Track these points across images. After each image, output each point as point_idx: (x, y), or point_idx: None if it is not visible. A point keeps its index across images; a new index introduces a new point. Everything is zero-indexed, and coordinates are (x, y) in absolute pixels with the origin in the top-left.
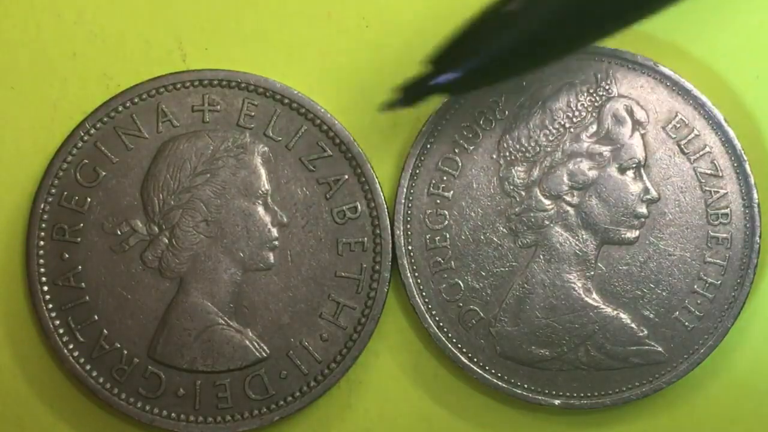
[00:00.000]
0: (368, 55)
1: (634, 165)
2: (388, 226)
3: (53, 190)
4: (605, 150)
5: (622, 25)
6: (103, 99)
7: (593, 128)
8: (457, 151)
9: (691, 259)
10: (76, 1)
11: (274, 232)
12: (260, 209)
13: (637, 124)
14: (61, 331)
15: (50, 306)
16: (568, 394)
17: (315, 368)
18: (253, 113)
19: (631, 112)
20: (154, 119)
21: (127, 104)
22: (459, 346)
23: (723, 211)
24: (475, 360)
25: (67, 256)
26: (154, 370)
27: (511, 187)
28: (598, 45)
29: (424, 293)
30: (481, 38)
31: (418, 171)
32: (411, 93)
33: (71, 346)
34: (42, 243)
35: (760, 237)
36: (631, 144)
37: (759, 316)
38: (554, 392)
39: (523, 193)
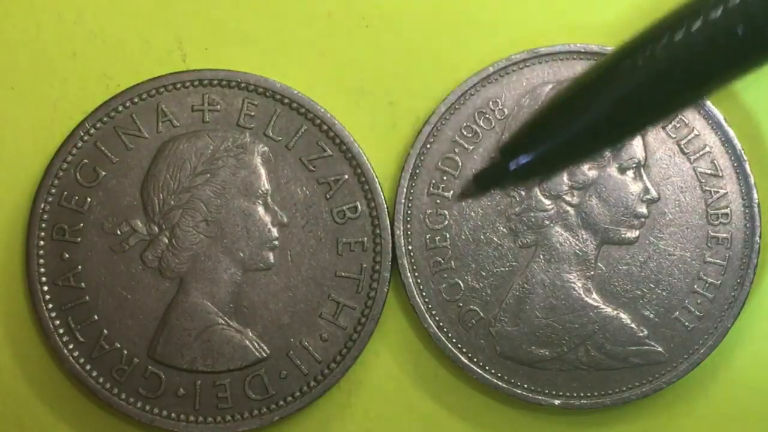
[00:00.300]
0: (368, 55)
1: (634, 165)
2: (388, 226)
3: (53, 190)
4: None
5: (703, 95)
6: (103, 99)
7: None
8: (457, 151)
9: (691, 259)
10: (76, 1)
11: (274, 232)
12: (260, 209)
13: None
14: (61, 331)
15: (50, 306)
16: (568, 394)
17: (315, 368)
18: (253, 113)
19: None
20: (154, 119)
21: (127, 104)
22: (459, 346)
23: (723, 211)
24: (475, 360)
25: (67, 256)
26: (154, 370)
27: (511, 187)
28: (598, 45)
29: (424, 293)
30: (547, 126)
31: (418, 171)
32: (483, 182)
33: (71, 346)
34: (42, 243)
35: (760, 237)
36: (631, 144)
37: (759, 316)
38: (554, 392)
39: (523, 193)
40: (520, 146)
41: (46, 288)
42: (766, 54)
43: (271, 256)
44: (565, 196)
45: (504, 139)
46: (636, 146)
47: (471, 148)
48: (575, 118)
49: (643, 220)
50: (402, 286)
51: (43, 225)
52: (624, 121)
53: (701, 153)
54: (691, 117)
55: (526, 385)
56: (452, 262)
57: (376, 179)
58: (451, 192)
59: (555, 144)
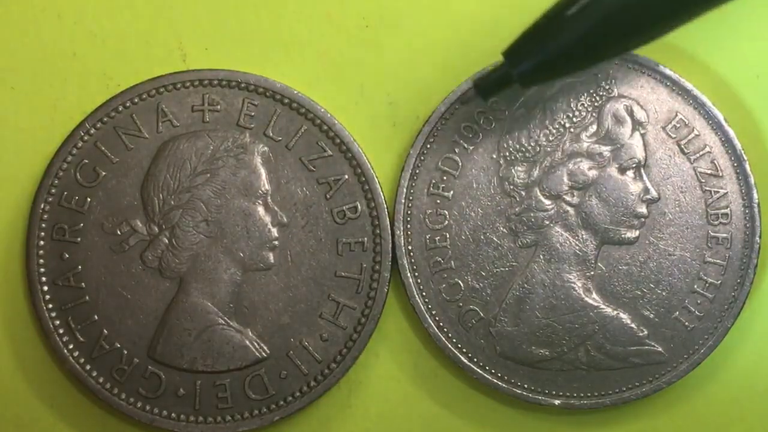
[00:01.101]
0: (368, 55)
1: (634, 165)
2: (388, 226)
3: (53, 190)
4: (605, 150)
5: (666, 28)
6: (103, 99)
7: (593, 128)
8: (457, 151)
9: (691, 259)
10: (76, 1)
11: (274, 232)
12: (260, 209)
13: (637, 124)
14: (61, 331)
15: (50, 306)
16: (568, 394)
17: (315, 368)
18: (253, 113)
19: (631, 112)
20: (154, 119)
21: (127, 104)
22: (459, 346)
23: (723, 211)
24: (475, 360)
25: (67, 256)
26: (154, 370)
27: (511, 187)
28: None
29: (424, 293)
30: (546, 35)
31: (418, 171)
32: (485, 86)
33: (71, 346)
34: (42, 243)
35: (760, 237)
36: (631, 144)
37: (759, 316)
38: (554, 392)
39: (523, 193)
40: (526, 51)
41: (46, 288)
42: None
43: (271, 256)
44: (565, 196)
45: (508, 46)
46: (636, 146)
47: (471, 148)
48: (581, 21)
49: (643, 220)
50: (402, 286)
51: (43, 225)
52: (631, 26)
53: (701, 153)
54: (691, 117)
55: (526, 385)
56: (452, 262)
57: (376, 179)
58: (451, 193)
59: (560, 48)
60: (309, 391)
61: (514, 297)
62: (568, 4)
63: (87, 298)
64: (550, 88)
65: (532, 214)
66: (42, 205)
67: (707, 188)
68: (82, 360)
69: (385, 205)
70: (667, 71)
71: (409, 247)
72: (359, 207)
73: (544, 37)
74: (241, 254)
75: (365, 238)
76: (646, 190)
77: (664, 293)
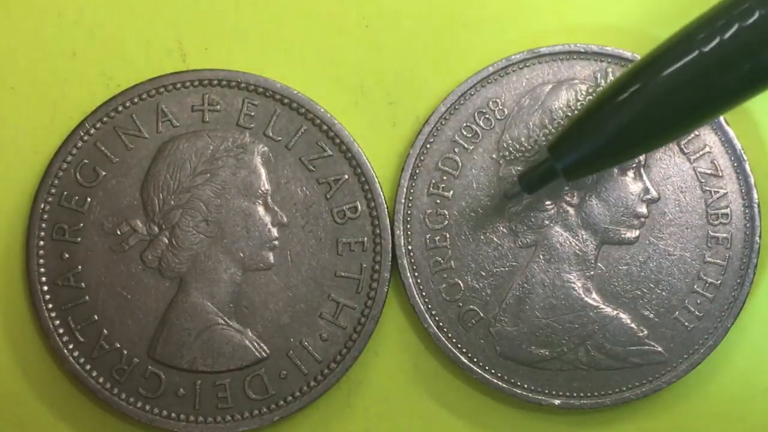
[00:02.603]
0: (368, 55)
1: (634, 165)
2: (388, 226)
3: (53, 190)
4: None
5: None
6: (103, 99)
7: None
8: (457, 151)
9: (691, 259)
10: (76, 1)
11: (274, 232)
12: (260, 209)
13: None
14: (61, 331)
15: (50, 306)
16: (568, 394)
17: (315, 368)
18: (253, 113)
19: None
20: (154, 119)
21: (127, 104)
22: (459, 346)
23: (723, 211)
24: (475, 360)
25: (67, 256)
26: (154, 370)
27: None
28: (598, 45)
29: (424, 293)
30: (593, 126)
31: (418, 171)
32: (530, 181)
33: (71, 346)
34: (42, 243)
35: (760, 237)
36: None
37: (759, 316)
38: (554, 392)
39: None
40: (570, 145)
41: (46, 288)
42: None
43: (271, 256)
44: (565, 196)
45: (553, 138)
46: None
47: (471, 148)
48: (623, 115)
49: (643, 220)
50: (402, 286)
51: (43, 225)
52: (672, 118)
53: (701, 153)
54: None
55: (526, 385)
56: (452, 262)
57: (376, 179)
58: (451, 193)
59: (604, 142)
60: (309, 391)
61: (514, 297)
62: (611, 97)
63: (87, 298)
64: (548, 87)
65: (532, 214)
66: (42, 205)
67: (707, 188)
68: (82, 360)
69: (385, 205)
70: None
71: (409, 247)
72: (359, 207)
73: (586, 132)
74: (241, 254)
75: (365, 238)
76: (646, 190)
77: (664, 293)
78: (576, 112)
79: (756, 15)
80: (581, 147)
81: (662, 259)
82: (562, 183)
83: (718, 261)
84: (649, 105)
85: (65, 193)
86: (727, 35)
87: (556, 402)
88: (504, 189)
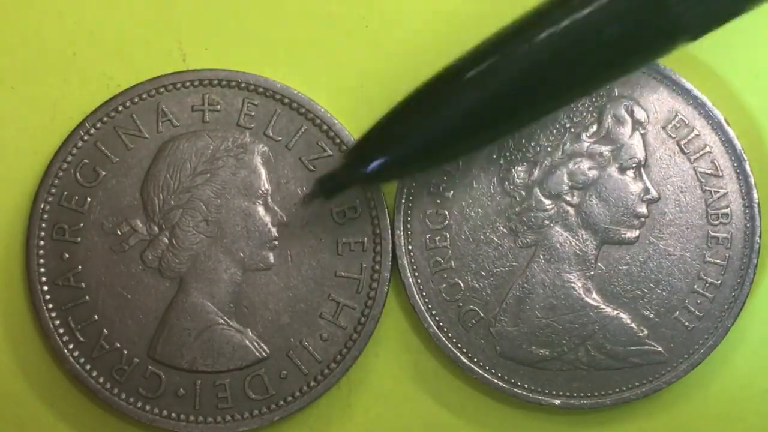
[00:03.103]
0: (368, 55)
1: (634, 165)
2: (388, 226)
3: (53, 190)
4: (605, 150)
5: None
6: (103, 99)
7: (593, 128)
8: None
9: (691, 259)
10: (76, 1)
11: (274, 231)
12: (260, 209)
13: (637, 124)
14: (61, 331)
15: (50, 306)
16: (568, 394)
17: (315, 368)
18: (253, 113)
19: (631, 112)
20: (154, 119)
21: (127, 104)
22: (459, 346)
23: (723, 211)
24: (475, 360)
25: (67, 256)
26: (154, 370)
27: (511, 187)
28: None
29: (424, 293)
30: (408, 125)
31: None
32: (328, 186)
33: (71, 346)
34: (42, 243)
35: (760, 237)
36: (631, 144)
37: (759, 316)
38: (554, 392)
39: (523, 193)
40: (375, 149)
41: (46, 288)
42: (635, 56)
43: (271, 256)
44: (565, 196)
45: (353, 143)
46: (636, 146)
47: None
48: (437, 117)
49: (643, 220)
50: (402, 286)
51: (43, 225)
52: (485, 122)
53: (701, 153)
54: (691, 117)
55: (526, 385)
56: (452, 262)
57: None
58: (451, 193)
59: (413, 146)
60: (309, 391)
61: (514, 297)
62: (453, 79)
63: (87, 298)
64: None
65: (532, 214)
66: (42, 205)
67: (707, 188)
68: (82, 360)
69: (385, 205)
70: (667, 71)
71: (409, 247)
72: (359, 207)
73: (384, 139)
74: (241, 254)
75: (365, 238)
76: (646, 190)
77: (664, 293)
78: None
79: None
80: (389, 148)
81: (662, 259)
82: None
83: (718, 261)
84: (509, 78)
85: (65, 193)
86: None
87: (556, 402)
88: (303, 194)
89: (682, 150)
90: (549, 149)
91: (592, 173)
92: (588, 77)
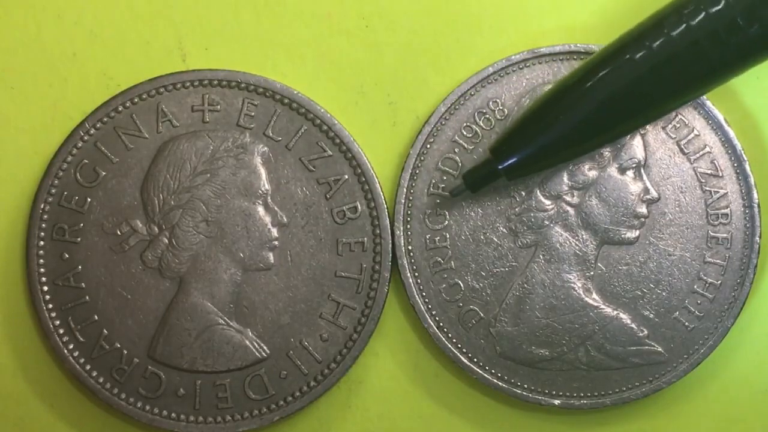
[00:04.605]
0: (368, 55)
1: (634, 165)
2: (388, 226)
3: (53, 190)
4: (605, 150)
5: (675, 106)
6: (103, 99)
7: None
8: (457, 151)
9: (691, 259)
10: (76, 1)
11: (274, 232)
12: (260, 209)
13: None
14: (61, 331)
15: (50, 306)
16: (568, 394)
17: (315, 368)
18: (253, 113)
19: None
20: (154, 119)
21: (127, 104)
22: (459, 346)
23: (723, 211)
24: (475, 360)
25: (67, 256)
26: (154, 370)
27: (511, 187)
28: (597, 45)
29: (424, 293)
30: (529, 132)
31: (418, 171)
32: (473, 180)
33: (71, 346)
34: (42, 243)
35: (760, 237)
36: (631, 144)
37: (759, 316)
38: (554, 392)
39: (523, 193)
40: (511, 146)
41: (46, 288)
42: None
43: (271, 256)
44: (565, 196)
45: (494, 139)
46: (636, 146)
47: (471, 148)
48: (563, 117)
49: (643, 220)
50: (402, 286)
51: (43, 225)
52: (612, 121)
53: (701, 153)
54: (691, 117)
55: (526, 385)
56: (452, 262)
57: (376, 179)
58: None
59: (544, 144)
60: (309, 391)
61: (514, 297)
62: (552, 102)
63: (87, 298)
64: (549, 87)
65: (532, 214)
66: (42, 205)
67: (707, 188)
68: (82, 360)
69: (385, 205)
70: None
71: (409, 247)
72: (359, 207)
73: (527, 134)
74: (241, 254)
75: (365, 238)
76: (646, 190)
77: (664, 293)
78: (519, 113)
79: (722, 2)
80: (524, 147)
81: (662, 259)
82: (557, 178)
83: (718, 261)
84: (617, 89)
85: (65, 193)
86: (695, 21)
87: (556, 402)
88: (449, 187)
89: (682, 150)
90: None
91: (592, 173)
92: (688, 87)
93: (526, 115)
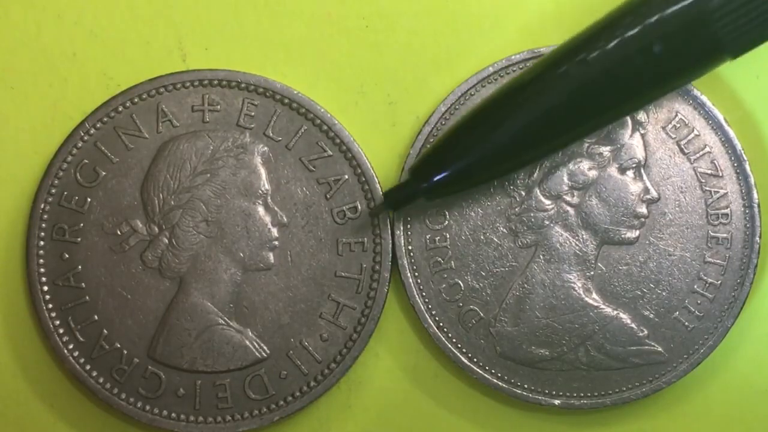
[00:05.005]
0: (368, 55)
1: (634, 165)
2: (388, 226)
3: (53, 190)
4: (605, 150)
5: (614, 117)
6: (103, 99)
7: None
8: None
9: (691, 259)
10: (76, 1)
11: (274, 232)
12: (260, 209)
13: (637, 124)
14: (61, 331)
15: (50, 306)
16: (568, 394)
17: (315, 368)
18: (253, 113)
19: None
20: (154, 119)
21: (127, 104)
22: (459, 346)
23: (723, 211)
24: (475, 360)
25: (67, 256)
26: (154, 370)
27: (511, 187)
28: None
29: (424, 293)
30: (454, 148)
31: None
32: (394, 199)
33: (71, 346)
34: (42, 243)
35: (760, 237)
36: (631, 144)
37: (759, 316)
38: (554, 392)
39: (523, 193)
40: (432, 165)
41: (46, 288)
42: (681, 73)
43: (271, 256)
44: (565, 196)
45: (413, 160)
46: (636, 146)
47: None
48: (492, 134)
49: (643, 220)
50: (402, 286)
51: (43, 225)
52: (541, 136)
53: (701, 153)
54: (691, 117)
55: (526, 385)
56: (452, 262)
57: (376, 179)
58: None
59: (468, 162)
60: (309, 391)
61: (514, 297)
62: (471, 122)
63: (87, 298)
64: None
65: (532, 214)
66: (42, 205)
67: (707, 188)
68: (82, 360)
69: None
70: None
71: (409, 247)
72: (359, 207)
73: (446, 155)
74: (241, 254)
75: (365, 238)
76: (646, 190)
77: (664, 293)
78: (439, 133)
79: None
80: (443, 168)
81: (662, 259)
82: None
83: (718, 261)
84: (561, 96)
85: (65, 193)
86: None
87: (556, 402)
88: (370, 207)
89: (682, 150)
90: None
91: (592, 173)
92: (637, 94)
93: (446, 135)
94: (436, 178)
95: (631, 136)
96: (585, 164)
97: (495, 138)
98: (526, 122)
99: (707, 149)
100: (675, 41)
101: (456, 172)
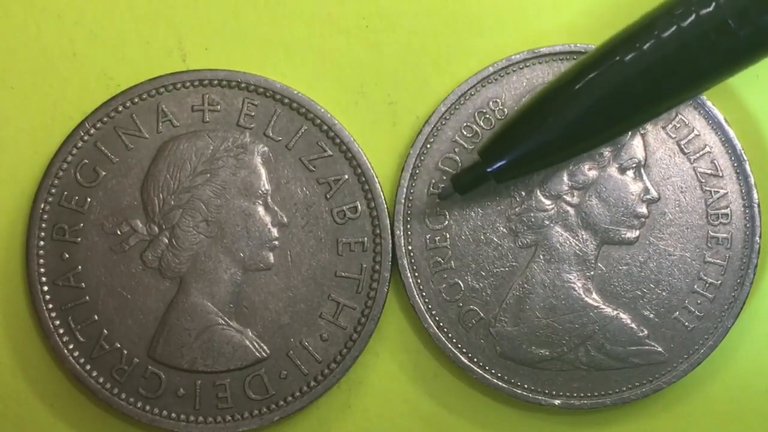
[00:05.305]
0: (368, 55)
1: (634, 165)
2: (388, 226)
3: (53, 190)
4: (605, 150)
5: (667, 107)
6: (103, 99)
7: None
8: (457, 151)
9: (691, 259)
10: (76, 1)
11: (274, 232)
12: (260, 209)
13: None
14: (61, 331)
15: (50, 306)
16: (568, 394)
17: (315, 368)
18: (253, 113)
19: None
20: (154, 119)
21: (127, 104)
22: (459, 346)
23: (723, 211)
24: (475, 360)
25: (67, 256)
26: (154, 370)
27: (511, 187)
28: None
29: (424, 293)
30: (524, 130)
31: (418, 171)
32: (461, 183)
33: (71, 346)
34: (42, 243)
35: (760, 237)
36: (631, 144)
37: (759, 316)
38: (554, 392)
39: (523, 193)
40: (499, 148)
41: (46, 288)
42: (759, 50)
43: (271, 256)
44: (565, 196)
45: (482, 141)
46: (636, 146)
47: (471, 147)
48: (552, 120)
49: (643, 220)
50: (402, 286)
51: (43, 225)
52: (601, 124)
53: (701, 153)
54: (691, 117)
55: (526, 385)
56: (452, 262)
57: (376, 179)
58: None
59: (532, 146)
60: (309, 391)
61: (514, 297)
62: (541, 105)
63: (87, 298)
64: None
65: (532, 214)
66: (42, 205)
67: (707, 188)
68: (82, 360)
69: (385, 205)
70: None
71: (409, 247)
72: (359, 207)
73: (515, 137)
74: (241, 254)
75: (365, 238)
76: (646, 190)
77: (664, 293)
78: (505, 116)
79: (713, 4)
80: (512, 150)
81: (662, 259)
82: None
83: (718, 261)
84: (607, 91)
85: (65, 193)
86: (686, 23)
87: (556, 402)
88: (439, 191)
89: (682, 150)
90: None
91: (592, 173)
92: (680, 90)
93: (515, 117)
94: (504, 161)
95: (631, 136)
96: (585, 164)
97: (559, 122)
98: (588, 107)
99: (707, 149)
100: (750, 16)
101: (525, 154)
